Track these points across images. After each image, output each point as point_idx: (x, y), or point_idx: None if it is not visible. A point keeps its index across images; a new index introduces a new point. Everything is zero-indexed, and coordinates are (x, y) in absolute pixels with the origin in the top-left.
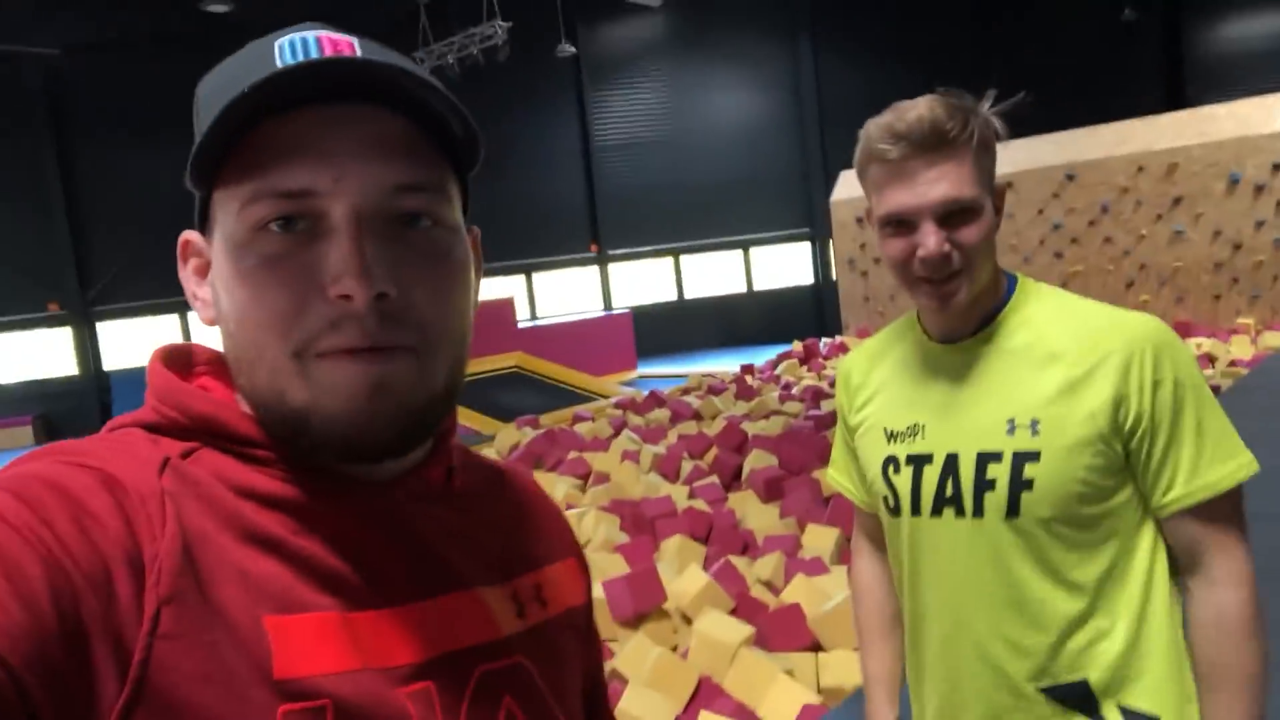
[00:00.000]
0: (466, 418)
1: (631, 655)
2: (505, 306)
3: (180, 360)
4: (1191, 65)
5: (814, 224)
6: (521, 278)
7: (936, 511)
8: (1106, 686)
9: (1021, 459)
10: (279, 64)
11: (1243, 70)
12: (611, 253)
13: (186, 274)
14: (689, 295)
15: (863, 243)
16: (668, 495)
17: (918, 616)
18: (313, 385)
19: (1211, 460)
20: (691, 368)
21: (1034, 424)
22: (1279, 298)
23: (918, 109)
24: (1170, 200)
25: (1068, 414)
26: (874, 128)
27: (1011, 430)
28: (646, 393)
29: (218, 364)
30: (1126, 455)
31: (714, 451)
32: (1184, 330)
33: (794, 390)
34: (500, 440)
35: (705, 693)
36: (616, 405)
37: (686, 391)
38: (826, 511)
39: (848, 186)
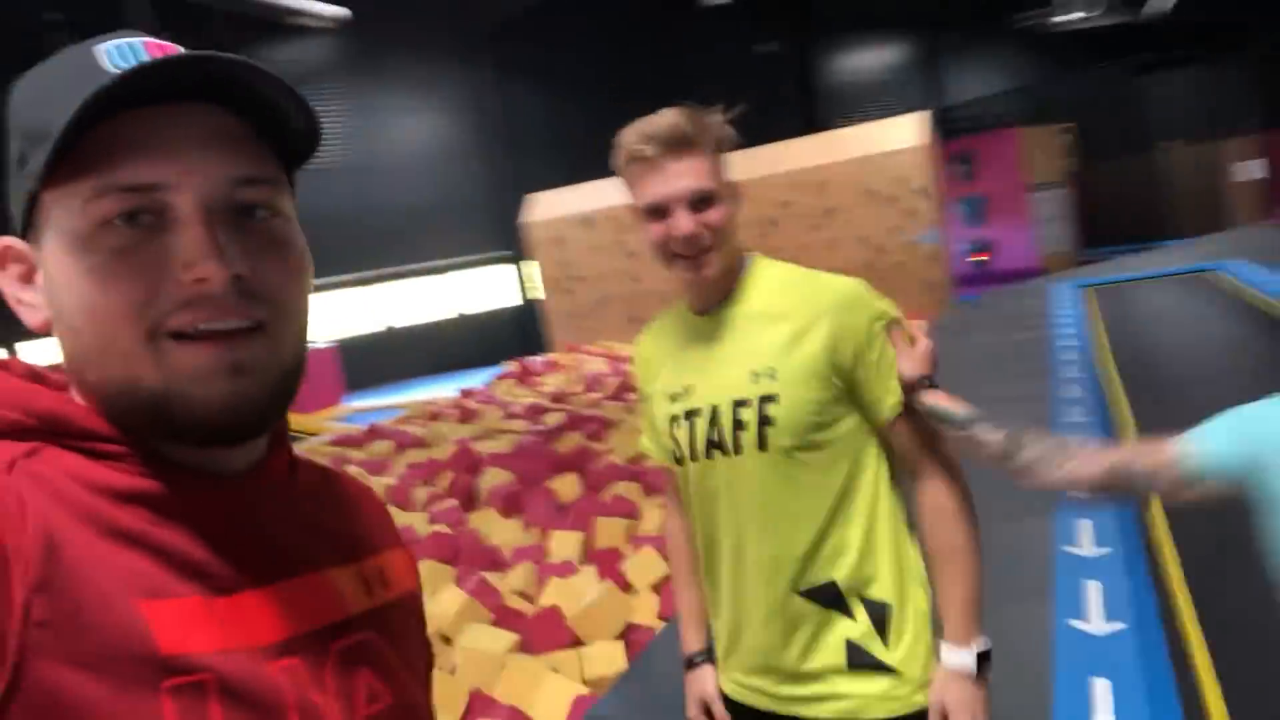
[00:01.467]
0: None
1: None
2: None
3: (2, 368)
4: (822, 91)
5: (514, 245)
6: None
7: (709, 455)
8: (850, 585)
9: (764, 401)
10: (109, 68)
11: (865, 95)
12: None
13: (7, 279)
14: (395, 324)
15: (562, 261)
16: (408, 525)
17: (709, 549)
18: (167, 369)
19: None
20: (404, 397)
21: (771, 372)
22: (915, 291)
23: (665, 117)
24: (822, 212)
25: (796, 360)
26: (630, 134)
27: (755, 379)
28: (364, 426)
29: (36, 373)
30: (849, 388)
31: (448, 475)
32: None
33: (515, 408)
34: None
35: (477, 705)
36: (333, 443)
37: (407, 420)
38: (568, 518)
39: (543, 207)
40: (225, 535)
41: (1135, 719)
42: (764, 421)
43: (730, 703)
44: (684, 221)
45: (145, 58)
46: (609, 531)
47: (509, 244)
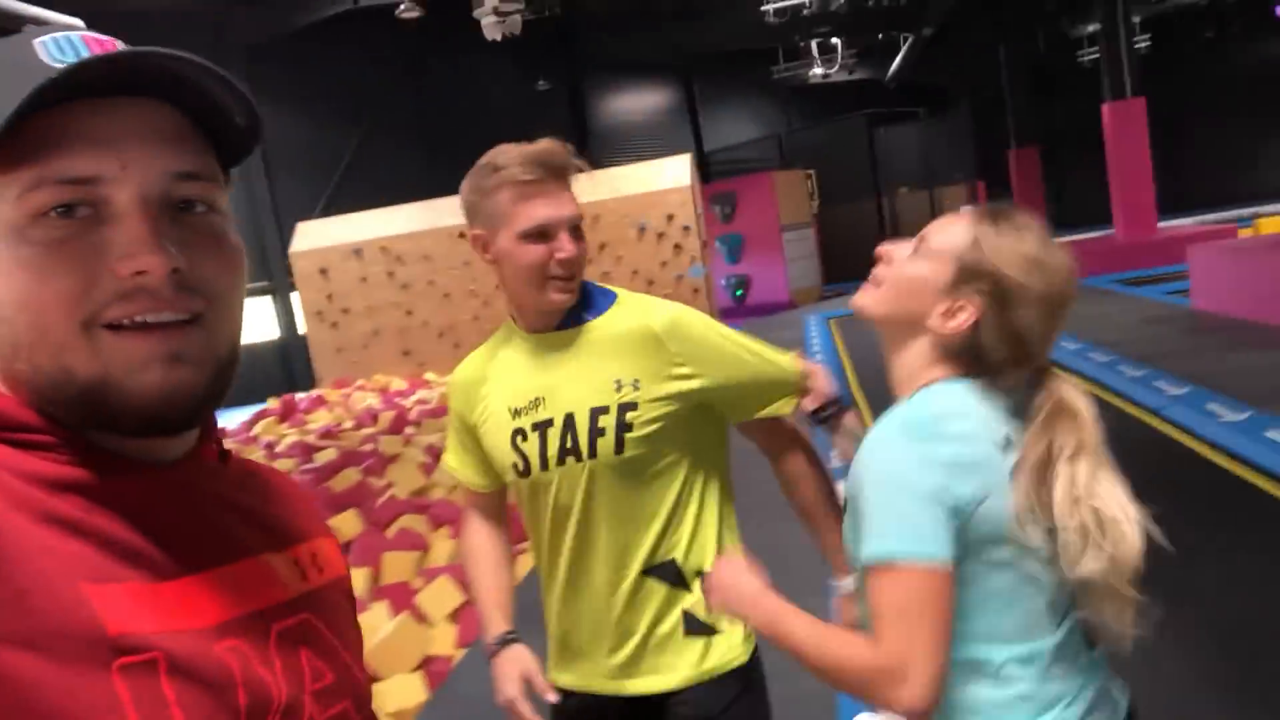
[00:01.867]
0: None
1: None
2: None
3: None
4: (594, 130)
5: (273, 277)
6: None
7: (561, 462)
8: (686, 561)
9: (624, 409)
10: (48, 61)
11: (634, 136)
12: None
13: None
14: None
15: (329, 293)
16: None
17: (549, 551)
18: (104, 359)
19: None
20: None
21: (635, 382)
22: None
23: (547, 145)
24: (597, 246)
25: (655, 372)
26: (508, 157)
27: (619, 388)
28: None
29: None
30: (706, 401)
31: None
32: None
33: (279, 448)
34: None
35: None
36: None
37: None
38: (351, 555)
39: (307, 236)
40: (162, 522)
41: None
42: (623, 428)
43: (562, 697)
44: (569, 245)
45: (85, 51)
46: (397, 566)
47: (267, 275)
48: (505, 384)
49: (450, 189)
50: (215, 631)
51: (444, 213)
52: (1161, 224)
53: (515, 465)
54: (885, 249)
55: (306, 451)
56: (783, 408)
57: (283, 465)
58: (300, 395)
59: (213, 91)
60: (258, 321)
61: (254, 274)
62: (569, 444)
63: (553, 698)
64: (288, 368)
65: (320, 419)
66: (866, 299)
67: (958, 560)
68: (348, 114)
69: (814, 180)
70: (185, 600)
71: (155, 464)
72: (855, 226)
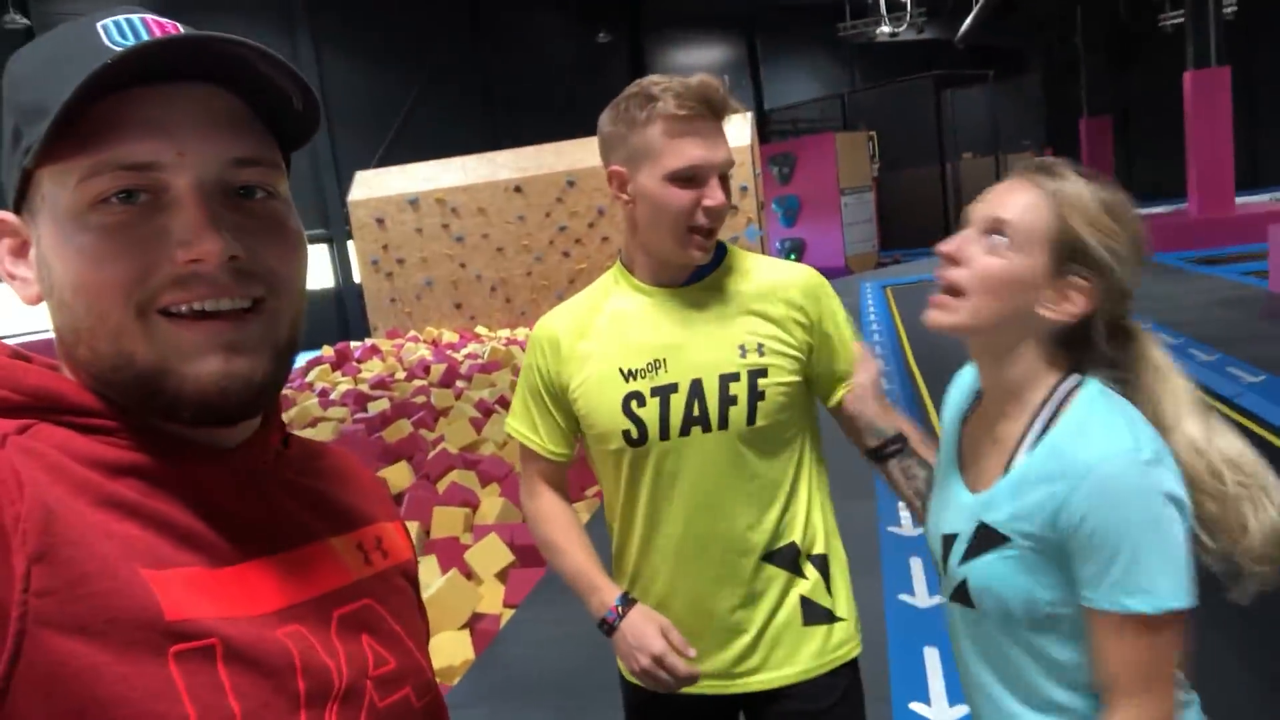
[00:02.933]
0: None
1: None
2: None
3: None
4: None
5: (330, 225)
6: None
7: (685, 432)
8: (803, 544)
9: (755, 374)
10: (109, 44)
11: None
12: None
13: (0, 254)
14: None
15: (384, 244)
16: None
17: (656, 530)
18: (160, 346)
19: None
20: None
21: (760, 347)
22: None
23: (702, 79)
24: None
25: (780, 336)
26: (663, 87)
27: (744, 353)
28: None
29: (21, 354)
30: (812, 367)
31: None
32: None
33: (332, 396)
34: None
35: None
36: None
37: None
38: (402, 508)
39: (365, 186)
40: (222, 508)
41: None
42: (756, 396)
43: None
44: (718, 193)
45: (145, 35)
46: (448, 521)
47: (324, 223)
48: (615, 341)
49: (507, 142)
50: (275, 617)
51: (500, 166)
52: (1238, 200)
53: (628, 433)
54: (951, 248)
55: (360, 400)
56: (839, 394)
57: (336, 413)
58: (355, 344)
59: (271, 76)
60: (314, 269)
61: (312, 222)
62: (696, 412)
63: (692, 652)
64: (342, 316)
65: (373, 368)
66: (953, 316)
67: None
68: (407, 65)
69: (875, 143)
70: (244, 586)
71: (217, 449)
72: (916, 192)
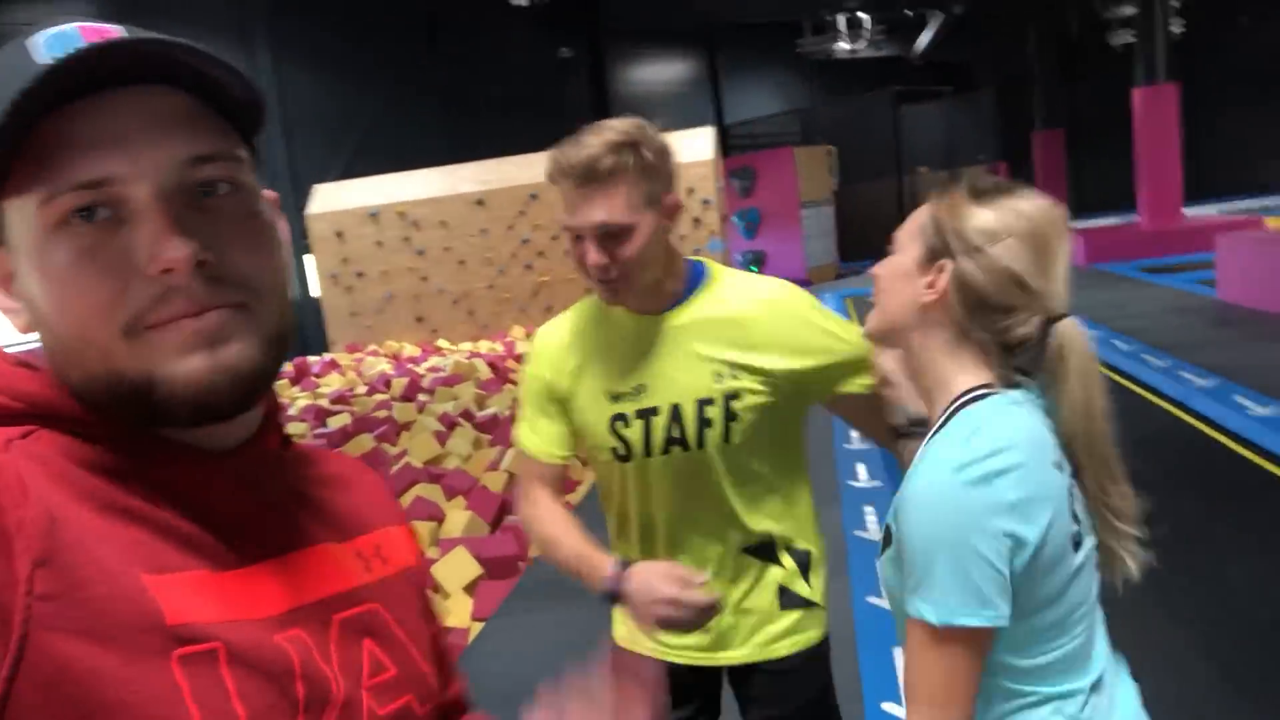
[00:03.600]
0: None
1: None
2: None
3: None
4: (615, 99)
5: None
6: None
7: (666, 451)
8: (781, 538)
9: (729, 398)
10: (43, 60)
11: (655, 106)
12: None
13: None
14: None
15: (344, 257)
16: None
17: (646, 526)
18: (149, 354)
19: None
20: None
21: (733, 370)
22: None
23: (588, 147)
24: None
25: (753, 361)
26: (553, 158)
27: (719, 378)
28: None
29: (25, 363)
30: (803, 380)
31: None
32: None
33: (291, 411)
34: None
35: None
36: None
37: None
38: None
39: (324, 200)
40: (222, 511)
41: None
42: (729, 417)
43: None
44: (591, 254)
45: (80, 42)
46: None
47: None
48: (601, 364)
49: (469, 155)
50: (276, 621)
51: (462, 179)
52: (1186, 211)
53: (615, 449)
54: (874, 270)
55: (319, 416)
56: (859, 386)
57: (295, 429)
58: (313, 359)
59: (207, 70)
60: None
61: None
62: (675, 434)
63: (702, 578)
64: (301, 330)
65: (333, 383)
66: (869, 321)
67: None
68: (368, 78)
69: (834, 157)
70: (246, 589)
71: (216, 452)
72: (875, 205)
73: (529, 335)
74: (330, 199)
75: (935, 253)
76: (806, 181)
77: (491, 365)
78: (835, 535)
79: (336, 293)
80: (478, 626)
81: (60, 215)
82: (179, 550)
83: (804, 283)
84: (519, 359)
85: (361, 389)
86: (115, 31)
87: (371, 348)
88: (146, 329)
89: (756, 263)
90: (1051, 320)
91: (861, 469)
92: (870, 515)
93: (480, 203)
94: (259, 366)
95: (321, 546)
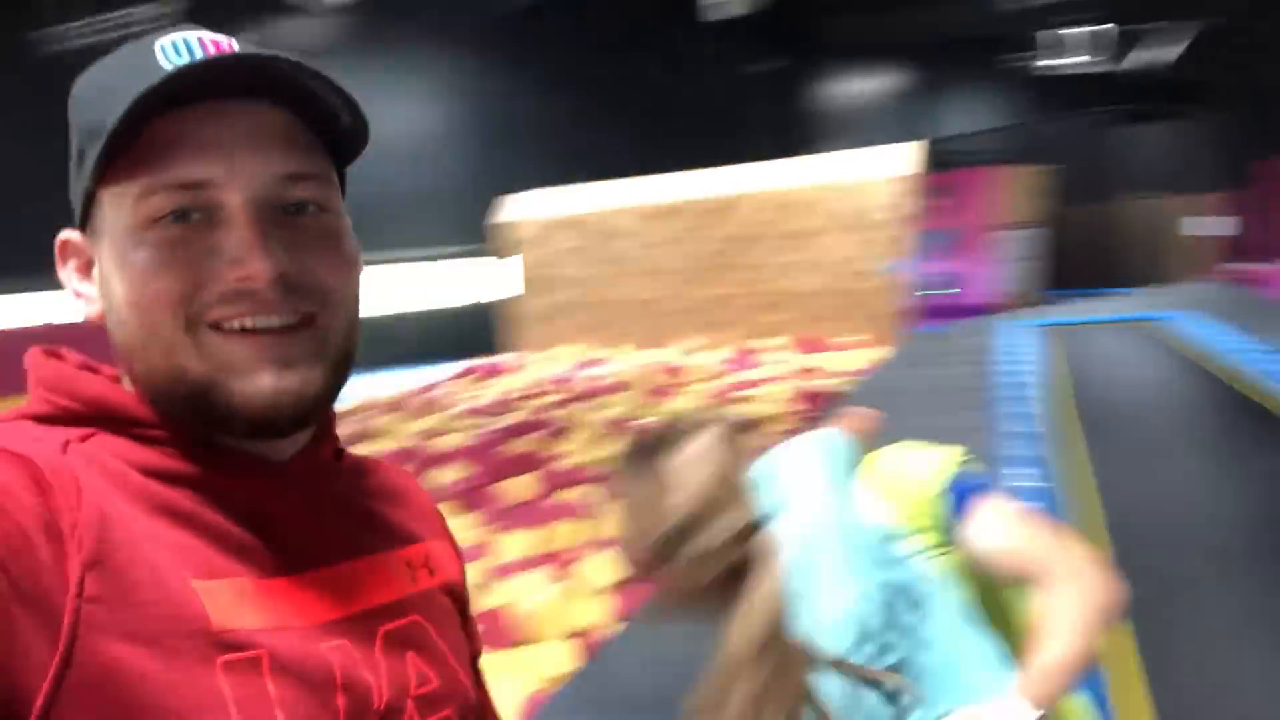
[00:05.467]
0: None
1: None
2: None
3: (54, 356)
4: (810, 115)
5: (490, 241)
6: None
7: None
8: None
9: None
10: (164, 64)
11: (853, 121)
12: None
13: (67, 273)
14: (361, 313)
15: (538, 261)
16: None
17: None
18: (210, 359)
19: None
20: (365, 386)
21: None
22: (873, 321)
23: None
24: (801, 233)
25: None
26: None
27: None
28: None
29: (88, 365)
30: None
31: (409, 467)
32: (814, 345)
33: (471, 406)
34: None
35: None
36: None
37: (364, 410)
38: (524, 517)
39: (524, 206)
40: (272, 519)
41: None
42: None
43: None
44: None
45: (199, 53)
46: (566, 533)
47: (484, 239)
48: None
49: (662, 167)
50: (320, 630)
51: (656, 189)
52: None
53: None
54: None
55: (495, 411)
56: None
57: (473, 422)
58: (500, 358)
59: (319, 93)
60: (469, 284)
61: (469, 239)
62: None
63: None
64: (491, 330)
65: (515, 381)
66: None
67: None
68: (571, 87)
69: (1045, 178)
70: (292, 598)
71: (269, 461)
72: (1088, 230)
73: (711, 344)
74: (526, 206)
75: None
76: (1011, 202)
77: (669, 373)
78: None
79: (527, 295)
80: (619, 626)
81: (156, 210)
82: (227, 556)
83: (1000, 308)
84: (692, 370)
85: (538, 389)
86: (232, 45)
87: (554, 350)
88: (210, 327)
89: (946, 285)
90: None
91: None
92: None
93: (673, 212)
94: (321, 390)
95: (370, 557)
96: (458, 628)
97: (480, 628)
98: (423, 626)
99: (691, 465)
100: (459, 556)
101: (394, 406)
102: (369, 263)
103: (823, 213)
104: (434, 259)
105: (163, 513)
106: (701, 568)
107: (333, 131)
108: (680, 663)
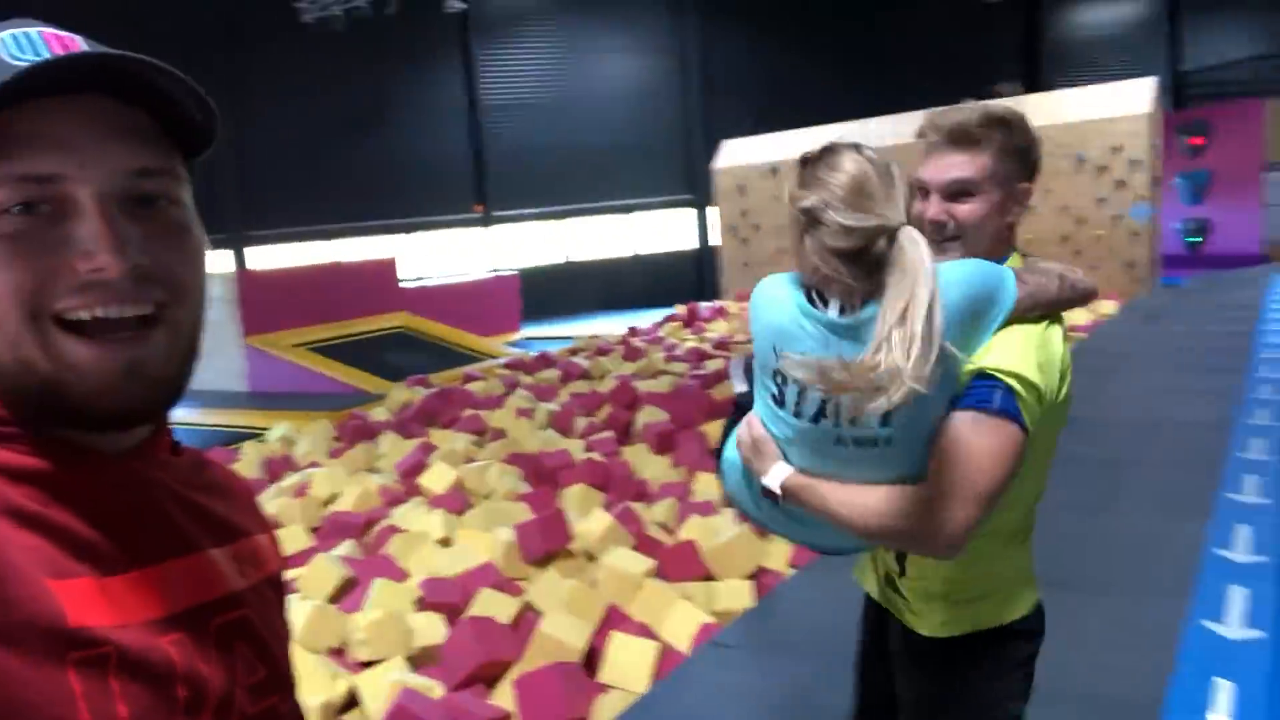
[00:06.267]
0: (353, 377)
1: (544, 589)
2: (387, 267)
3: None
4: (1047, 49)
5: (697, 190)
6: (403, 236)
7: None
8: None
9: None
10: (7, 59)
11: (1092, 55)
12: (497, 214)
13: None
14: (574, 258)
15: (744, 210)
16: (565, 449)
17: None
18: (58, 358)
19: None
20: (576, 329)
21: None
22: (1114, 269)
23: (960, 113)
24: (1042, 175)
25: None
26: (928, 116)
27: None
28: (535, 353)
29: None
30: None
31: (607, 408)
32: None
33: (678, 351)
34: (391, 399)
35: (614, 617)
36: (506, 365)
37: (575, 352)
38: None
39: (730, 155)
40: (113, 515)
41: None
42: None
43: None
44: (933, 208)
45: (44, 49)
46: None
47: (692, 188)
48: None
49: (878, 109)
50: (160, 624)
51: (872, 132)
52: None
53: None
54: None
55: (701, 357)
56: None
57: (677, 368)
58: (705, 305)
59: (169, 90)
60: (678, 232)
61: (678, 188)
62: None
63: None
64: (699, 277)
65: (718, 328)
66: None
67: None
68: (790, 32)
69: None
70: (134, 593)
71: (109, 455)
72: None
73: None
74: (736, 154)
75: None
76: (1276, 140)
77: None
78: (1188, 550)
79: (733, 244)
80: (792, 571)
81: (2, 203)
82: (74, 556)
83: (1259, 259)
84: None
85: (742, 336)
86: (78, 42)
87: None
88: (54, 320)
89: (1199, 232)
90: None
91: (1251, 482)
92: (1243, 534)
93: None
94: (170, 386)
95: (203, 552)
96: (280, 616)
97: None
98: (251, 620)
99: (859, 160)
100: (277, 547)
101: (602, 350)
102: (595, 211)
103: (1063, 154)
104: (646, 208)
105: (9, 514)
106: (841, 238)
107: (182, 127)
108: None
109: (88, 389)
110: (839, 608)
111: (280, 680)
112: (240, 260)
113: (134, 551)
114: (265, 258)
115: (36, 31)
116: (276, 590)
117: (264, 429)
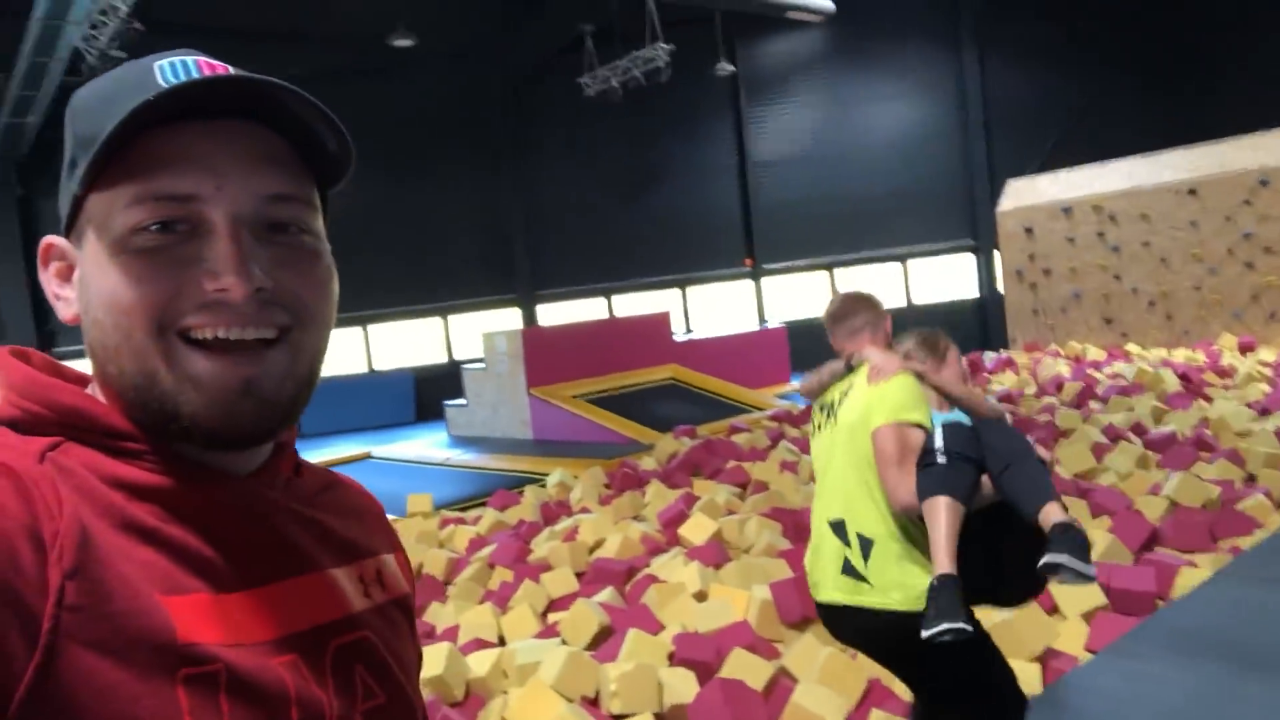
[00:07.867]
0: (625, 427)
1: (801, 655)
2: (662, 320)
3: (22, 359)
4: None
5: (978, 235)
6: (677, 291)
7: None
8: (850, 524)
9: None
10: (160, 82)
11: None
12: (766, 266)
13: (48, 276)
14: None
15: (1031, 253)
16: None
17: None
18: (179, 370)
19: None
20: None
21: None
22: None
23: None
24: (1259, 218)
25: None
26: None
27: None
28: (803, 406)
29: (55, 366)
30: None
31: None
32: None
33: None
34: (659, 449)
35: (876, 693)
36: (772, 417)
37: None
38: None
39: (1015, 196)
40: (231, 533)
41: None
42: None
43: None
44: None
45: (196, 74)
46: None
47: (973, 233)
48: None
49: (1179, 139)
50: (275, 645)
51: (1168, 166)
52: None
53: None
54: None
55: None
56: None
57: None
58: (989, 355)
59: (308, 119)
60: (958, 279)
61: (959, 232)
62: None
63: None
64: (983, 327)
65: (1005, 381)
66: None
67: None
68: (1069, 65)
69: None
70: (248, 613)
71: (229, 474)
72: None
73: (1242, 346)
74: (1023, 193)
75: None
76: None
77: (1183, 377)
78: None
79: (1020, 289)
80: (1087, 656)
81: (142, 220)
82: (189, 572)
83: None
84: (1222, 372)
85: (1031, 389)
86: (226, 69)
87: (1052, 348)
88: (179, 334)
89: None
90: None
91: None
92: None
93: (1191, 192)
94: (284, 410)
95: (323, 572)
96: (406, 639)
97: None
98: (372, 642)
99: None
100: (409, 569)
101: None
102: (867, 260)
103: None
104: (923, 255)
105: (128, 529)
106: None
107: (319, 157)
108: (1137, 705)
109: (202, 403)
110: (1140, 701)
111: (402, 706)
112: (531, 317)
113: (250, 571)
114: (553, 314)
115: (192, 59)
116: (405, 613)
117: (544, 474)
